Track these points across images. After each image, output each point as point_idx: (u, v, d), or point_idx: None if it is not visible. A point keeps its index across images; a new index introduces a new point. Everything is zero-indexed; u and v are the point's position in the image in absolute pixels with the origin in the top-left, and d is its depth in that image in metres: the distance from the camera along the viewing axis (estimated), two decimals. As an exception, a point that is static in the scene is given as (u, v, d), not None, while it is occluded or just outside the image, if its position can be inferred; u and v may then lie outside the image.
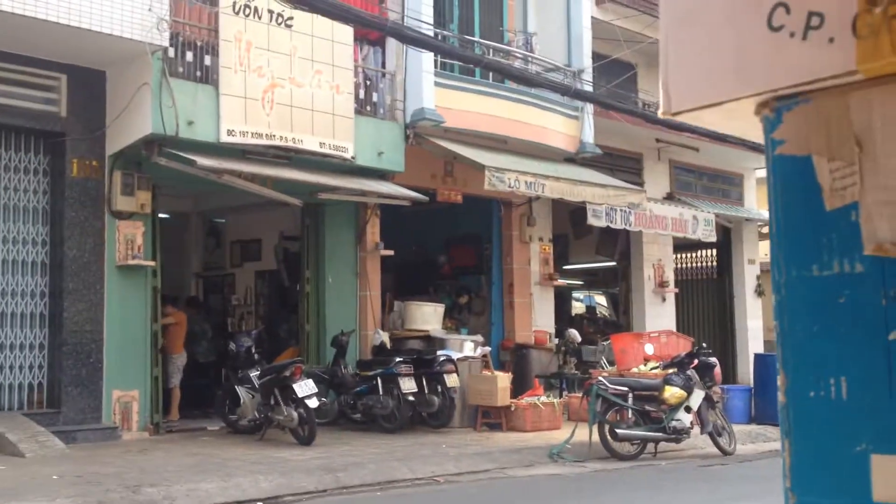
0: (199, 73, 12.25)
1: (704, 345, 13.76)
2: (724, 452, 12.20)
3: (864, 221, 1.24)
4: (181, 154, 11.82)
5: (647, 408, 11.96)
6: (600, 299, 22.55)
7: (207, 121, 12.02)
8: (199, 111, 11.97)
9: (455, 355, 13.96)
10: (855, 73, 1.22)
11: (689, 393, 11.99)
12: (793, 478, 1.28)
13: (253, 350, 13.09)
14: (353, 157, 13.48)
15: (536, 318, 17.02)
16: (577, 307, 22.25)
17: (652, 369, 13.16)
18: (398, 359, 13.40)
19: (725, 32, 1.33)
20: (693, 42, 1.38)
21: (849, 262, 1.25)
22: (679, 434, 11.95)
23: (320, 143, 13.12)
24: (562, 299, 18.19)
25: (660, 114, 1.44)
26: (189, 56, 12.23)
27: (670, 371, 12.45)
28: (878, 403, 1.22)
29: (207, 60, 12.31)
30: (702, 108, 1.37)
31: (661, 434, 11.86)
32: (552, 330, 17.19)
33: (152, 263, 12.64)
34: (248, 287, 17.46)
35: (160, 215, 13.51)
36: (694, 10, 1.37)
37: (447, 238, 18.74)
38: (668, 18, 1.41)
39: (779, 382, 1.32)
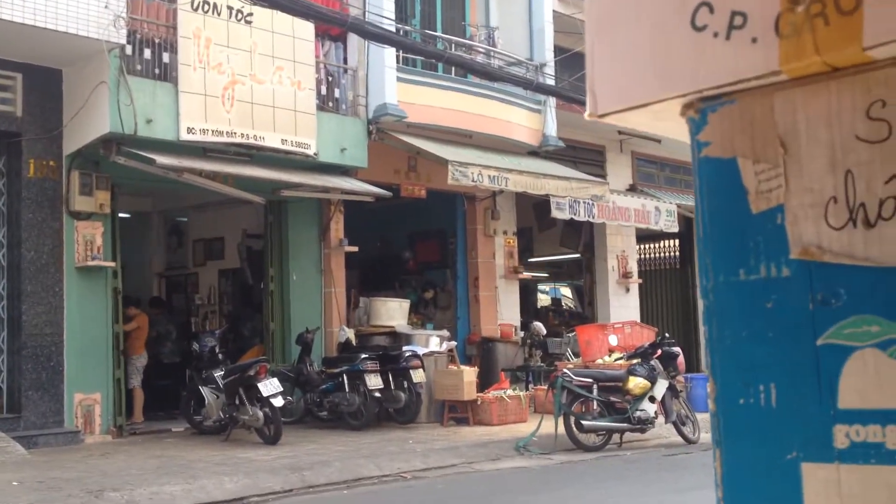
0: (157, 71, 12.12)
1: (668, 335, 13.83)
2: (689, 441, 12.27)
3: (789, 224, 1.22)
4: (140, 153, 11.71)
5: (612, 398, 12.00)
6: (565, 291, 22.63)
7: (166, 119, 11.90)
8: (157, 109, 11.85)
9: (421, 350, 13.94)
10: (779, 73, 1.19)
11: (653, 383, 12.04)
12: (725, 488, 1.26)
13: (217, 350, 13.00)
14: (315, 154, 13.40)
15: (502, 311, 17.04)
16: (543, 300, 22.31)
17: (616, 360, 13.23)
18: (364, 355, 13.36)
19: (650, 33, 1.30)
20: (618, 43, 1.35)
21: (776, 267, 1.23)
22: (644, 424, 12.00)
23: (282, 139, 13.04)
24: (527, 292, 18.23)
25: (586, 116, 1.41)
26: (147, 53, 12.10)
27: (634, 361, 12.50)
28: (808, 410, 1.20)
29: (166, 58, 12.19)
30: (627, 109, 1.34)
31: (625, 424, 11.91)
32: (518, 323, 17.22)
33: (112, 264, 12.50)
34: (212, 286, 17.33)
35: (120, 215, 13.37)
36: (618, 10, 1.34)
37: (411, 233, 18.71)
38: (593, 18, 1.38)
39: (708, 390, 1.30)
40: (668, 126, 1.40)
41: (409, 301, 15.95)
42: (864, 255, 1.17)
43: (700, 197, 1.31)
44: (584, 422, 11.85)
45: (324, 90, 14.01)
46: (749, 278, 1.25)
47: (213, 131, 12.27)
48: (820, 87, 1.21)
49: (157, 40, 12.23)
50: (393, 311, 15.22)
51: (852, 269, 1.18)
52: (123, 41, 11.41)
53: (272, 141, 12.90)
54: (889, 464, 1.15)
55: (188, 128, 12.03)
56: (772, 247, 1.24)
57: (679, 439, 12.43)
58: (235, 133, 12.47)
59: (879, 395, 1.15)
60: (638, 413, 11.93)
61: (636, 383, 12.00)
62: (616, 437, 12.20)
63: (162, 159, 11.64)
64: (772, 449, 1.22)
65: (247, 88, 12.63)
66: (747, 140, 1.26)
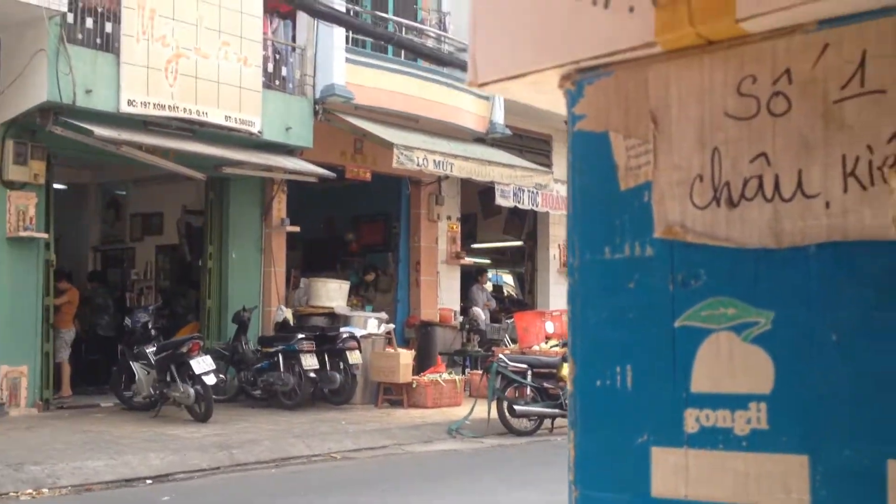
0: (99, 41, 11.86)
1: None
2: (621, 431, 12.36)
3: (655, 203, 1.19)
4: (78, 123, 11.45)
5: (546, 385, 12.06)
6: (507, 278, 22.67)
7: (107, 90, 11.64)
8: (98, 80, 11.59)
9: (359, 332, 13.88)
10: (653, 45, 1.16)
11: (588, 373, 12.10)
12: (576, 471, 1.23)
13: (150, 325, 12.80)
14: (259, 132, 13.23)
15: (442, 296, 17.03)
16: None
17: (552, 347, 13.27)
18: (300, 335, 13.26)
19: (532, 1, 1.26)
20: (501, 11, 1.30)
21: (640, 246, 1.20)
22: (577, 413, 12.06)
23: (226, 116, 12.83)
24: (469, 278, 18.21)
25: (467, 84, 1.37)
26: (89, 22, 11.83)
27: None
28: (661, 393, 1.17)
29: (108, 27, 11.92)
30: (507, 79, 1.30)
31: (557, 410, 11.97)
32: (457, 308, 17.22)
33: (45, 236, 12.24)
34: (149, 262, 17.06)
35: (56, 186, 13.10)
36: (499, -24, 1.30)
37: (355, 216, 18.61)
38: (476, -14, 1.33)
39: (567, 371, 1.27)
40: (550, 99, 1.36)
41: (349, 283, 15.86)
42: (726, 235, 1.14)
43: (571, 172, 1.28)
44: (516, 407, 11.90)
45: (270, 68, 13.82)
46: (614, 257, 1.22)
47: (154, 104, 12.03)
48: (693, 61, 1.18)
49: (99, 9, 11.95)
50: (333, 293, 15.12)
51: (713, 250, 1.15)
52: (65, 9, 11.14)
53: (216, 117, 12.69)
54: (736, 450, 1.13)
55: (129, 100, 11.79)
56: (638, 225, 1.21)
57: (611, 429, 12.51)
58: (178, 107, 12.24)
59: (731, 380, 1.13)
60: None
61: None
62: (547, 422, 12.27)
63: (100, 131, 11.40)
64: (625, 432, 1.19)
65: (191, 62, 12.40)
66: (621, 114, 1.23)
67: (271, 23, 14.06)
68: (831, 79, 1.10)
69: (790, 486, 1.10)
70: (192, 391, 11.59)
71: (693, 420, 1.15)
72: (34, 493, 8.23)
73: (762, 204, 1.13)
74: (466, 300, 17.61)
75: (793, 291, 1.11)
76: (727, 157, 1.15)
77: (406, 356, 13.87)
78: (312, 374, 13.13)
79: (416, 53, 14.66)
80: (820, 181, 1.10)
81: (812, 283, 1.10)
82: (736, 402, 1.13)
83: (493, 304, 18.43)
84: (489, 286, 19.26)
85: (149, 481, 8.89)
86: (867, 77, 1.08)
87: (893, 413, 1.05)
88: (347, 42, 14.34)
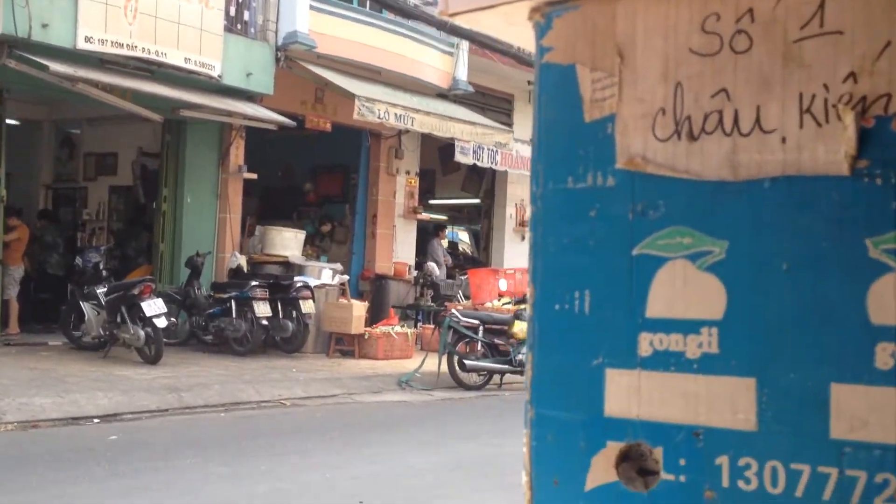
0: (56, -27, 11.59)
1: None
2: (569, 389, 12.54)
3: (619, 134, 1.23)
4: (33, 58, 11.21)
5: (497, 341, 12.19)
6: (463, 235, 22.74)
7: (64, 25, 11.41)
8: (55, 14, 11.35)
9: (313, 282, 13.88)
10: (622, -20, 1.19)
11: (539, 330, 12.23)
12: (532, 390, 1.28)
13: (101, 266, 12.68)
14: (219, 76, 13.07)
15: (398, 250, 17.06)
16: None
17: (504, 304, 13.39)
18: (254, 283, 13.22)
19: (503, -68, 1.28)
20: (474, -59, 1.32)
21: (602, 176, 1.24)
22: (524, 367, 12.19)
23: (185, 58, 12.65)
24: (426, 233, 18.25)
25: (437, 13, 1.38)
26: (47, -46, 11.55)
27: (522, 307, 12.68)
28: (617, 318, 1.22)
29: (67, -40, 11.65)
30: (477, 10, 1.32)
31: (507, 366, 12.12)
32: (412, 262, 17.27)
33: (-4, 171, 12.04)
34: (102, 202, 16.83)
35: (8, 121, 12.87)
36: None
37: (314, 166, 18.51)
38: (450, -88, 1.35)
39: (527, 295, 1.31)
40: (520, 32, 1.39)
41: (304, 232, 15.82)
42: (685, 167, 1.18)
43: (538, 104, 1.31)
44: (466, 361, 12.03)
45: (233, 11, 13.62)
46: (576, 186, 1.26)
47: (112, 42, 11.82)
48: (660, -2, 1.21)
49: (58, -60, 11.68)
50: (288, 242, 15.08)
51: (672, 181, 1.19)
52: (21, -62, 10.87)
53: (175, 58, 12.51)
54: (686, 372, 1.18)
55: (86, 36, 11.57)
56: (600, 156, 1.24)
57: (559, 387, 12.69)
58: (136, 46, 12.04)
59: (684, 306, 1.18)
60: (520, 356, 12.12)
61: (521, 328, 12.17)
62: (497, 378, 12.41)
63: (56, 67, 11.19)
64: (581, 354, 1.24)
65: (151, 1, 12.17)
66: (588, 47, 1.26)
67: (234, -36, 13.84)
68: (791, 19, 1.14)
69: (737, 407, 1.15)
70: (142, 333, 11.54)
71: (647, 344, 1.20)
72: (-21, 427, 8.19)
73: (721, 138, 1.17)
74: (425, 255, 17.67)
75: (747, 222, 1.15)
76: (690, 92, 1.19)
77: (359, 308, 13.91)
78: (265, 322, 13.11)
79: (381, 4, 14.53)
80: (777, 117, 1.14)
81: (765, 215, 1.14)
82: (688, 326, 1.18)
83: (450, 260, 18.51)
84: (445, 243, 19.33)
85: (96, 420, 8.88)
86: (826, 18, 1.12)
87: (837, 339, 1.10)
88: (312, -11, 14.18)
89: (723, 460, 1.15)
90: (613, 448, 1.21)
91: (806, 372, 1.12)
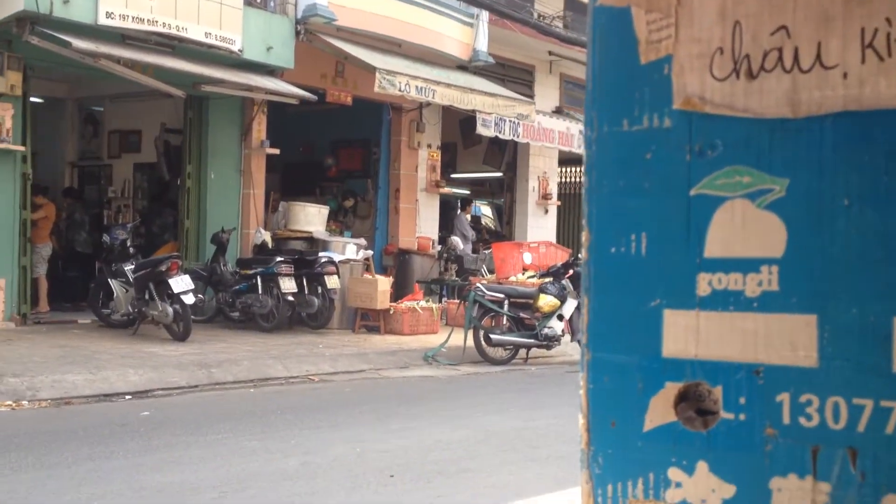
0: (77, -50, 11.60)
1: (580, 256, 13.97)
2: (594, 361, 12.51)
3: (675, 75, 1.22)
4: (55, 34, 11.25)
5: (522, 315, 12.17)
6: (486, 209, 22.72)
7: (85, 1, 11.44)
8: (76, -10, 11.37)
9: (337, 257, 13.91)
10: (678, -81, 1.18)
11: (563, 302, 12.23)
12: (589, 334, 1.28)
13: (128, 243, 12.77)
14: (240, 51, 13.07)
15: (421, 224, 17.06)
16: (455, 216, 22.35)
17: (529, 278, 13.37)
18: (279, 258, 13.27)
19: None
20: None
21: (658, 117, 1.23)
22: (550, 341, 12.21)
23: (206, 32, 12.66)
24: (448, 207, 18.24)
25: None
26: (67, -70, 11.55)
27: (546, 280, 12.67)
28: (674, 259, 1.21)
29: (87, -64, 11.65)
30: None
31: (533, 340, 12.12)
32: (435, 237, 17.27)
33: (22, 148, 12.11)
34: (126, 179, 16.92)
35: (32, 99, 12.93)
36: None
37: (335, 140, 18.51)
38: None
39: (583, 239, 1.31)
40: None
41: (328, 208, 15.85)
42: (744, 106, 1.18)
43: (592, 48, 1.30)
44: (492, 336, 12.02)
45: (252, -15, 13.61)
46: (632, 129, 1.25)
47: (133, 18, 11.84)
48: (717, -63, 1.20)
49: (78, -83, 11.68)
50: (311, 217, 15.12)
51: (730, 120, 1.19)
52: (43, -85, 10.88)
53: (195, 33, 12.51)
54: (746, 311, 1.18)
55: (107, 12, 11.60)
56: (657, 98, 1.24)
57: (584, 358, 12.68)
58: (157, 22, 12.06)
59: (744, 245, 1.18)
60: (546, 330, 12.13)
61: (546, 301, 12.17)
62: (522, 352, 12.42)
63: (78, 43, 11.22)
64: (637, 297, 1.24)
65: (171, -24, 12.19)
66: (642, -11, 1.25)
67: (254, -61, 13.81)
68: (854, -46, 1.13)
69: (797, 344, 1.15)
70: (170, 310, 11.61)
71: (706, 284, 1.20)
72: (13, 404, 8.28)
73: (781, 75, 1.16)
74: (450, 229, 17.66)
75: (807, 159, 1.15)
76: (748, 30, 1.18)
77: (384, 283, 13.93)
78: (290, 298, 13.17)
79: (400, -24, 14.47)
80: (838, 53, 1.14)
81: (826, 152, 1.14)
82: (748, 265, 1.17)
83: (474, 234, 18.52)
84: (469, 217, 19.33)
85: (128, 396, 8.96)
86: (889, -48, 1.11)
87: (899, 273, 1.10)
88: (331, -39, 14.13)
89: (784, 397, 1.16)
90: (672, 389, 1.22)
91: (867, 307, 1.12)
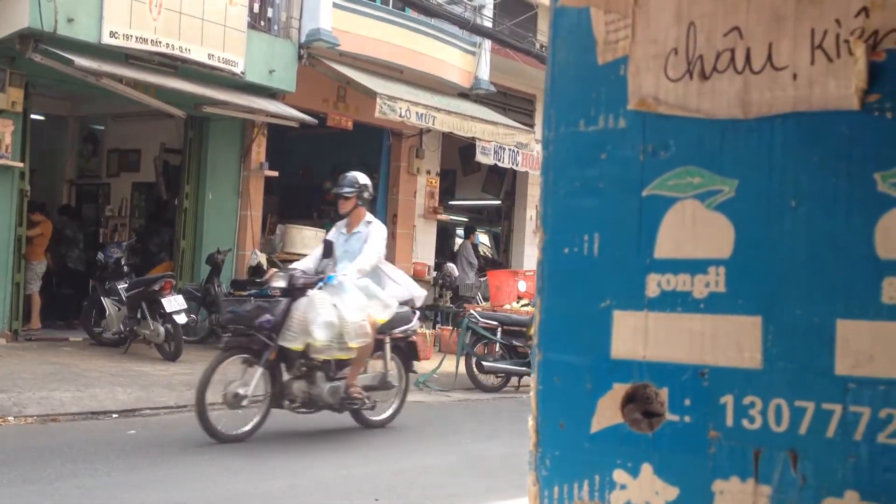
0: (82, -31, 11.69)
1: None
2: (587, 391, 12.47)
3: (631, 75, 1.22)
4: (58, 52, 11.31)
5: (515, 343, 12.16)
6: (483, 237, 22.72)
7: (89, 20, 11.51)
8: (80, 9, 11.44)
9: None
10: (637, -79, 1.19)
11: (558, 331, 12.20)
12: (541, 334, 1.27)
13: (122, 262, 12.75)
14: (242, 73, 13.13)
15: (417, 250, 17.06)
16: (459, 244, 22.37)
17: (523, 306, 13.35)
18: (273, 281, 13.21)
19: None
20: None
21: (613, 118, 1.23)
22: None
23: (209, 54, 12.72)
24: (445, 234, 18.26)
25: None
26: (73, -51, 11.65)
27: (541, 309, 12.64)
28: (626, 260, 1.21)
29: (92, -44, 11.74)
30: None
31: (525, 368, 12.08)
32: (432, 263, 17.27)
33: (21, 165, 12.13)
34: (124, 198, 16.92)
35: (33, 116, 12.96)
36: None
37: (335, 164, 18.51)
38: None
39: (537, 240, 1.30)
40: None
41: (325, 231, 15.83)
42: (697, 106, 1.18)
43: (552, 48, 1.30)
44: (485, 363, 12.01)
45: (256, 8, 13.70)
46: (588, 129, 1.25)
47: (137, 38, 11.91)
48: (675, -61, 1.20)
49: (84, -63, 11.78)
50: (308, 240, 15.10)
51: (683, 121, 1.19)
52: (49, -67, 10.97)
53: (198, 55, 12.58)
54: (693, 312, 1.17)
55: (111, 31, 11.66)
56: (613, 98, 1.24)
57: (577, 388, 12.64)
58: (160, 42, 12.13)
59: (693, 245, 1.17)
60: (539, 359, 12.10)
61: (540, 330, 12.15)
62: (514, 380, 12.38)
63: (81, 61, 11.28)
64: (589, 297, 1.23)
65: (176, -3, 12.27)
66: (601, -10, 1.25)
67: (258, -38, 13.91)
68: (805, -45, 1.13)
69: (743, 345, 1.14)
70: (162, 329, 11.59)
71: (655, 284, 1.19)
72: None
73: (733, 76, 1.16)
74: (450, 256, 17.64)
75: (757, 160, 1.15)
76: (702, 31, 1.18)
77: (378, 307, 13.87)
78: (284, 320, 13.10)
79: (404, 3, 14.58)
80: (789, 54, 1.14)
81: (775, 152, 1.14)
82: (696, 266, 1.17)
83: (477, 262, 18.52)
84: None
85: (115, 415, 8.92)
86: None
87: (844, 275, 1.10)
88: (335, -13, 14.24)
89: (727, 399, 1.15)
90: (619, 390, 1.21)
91: (812, 308, 1.11)
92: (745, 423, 1.14)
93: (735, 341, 1.14)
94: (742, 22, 1.16)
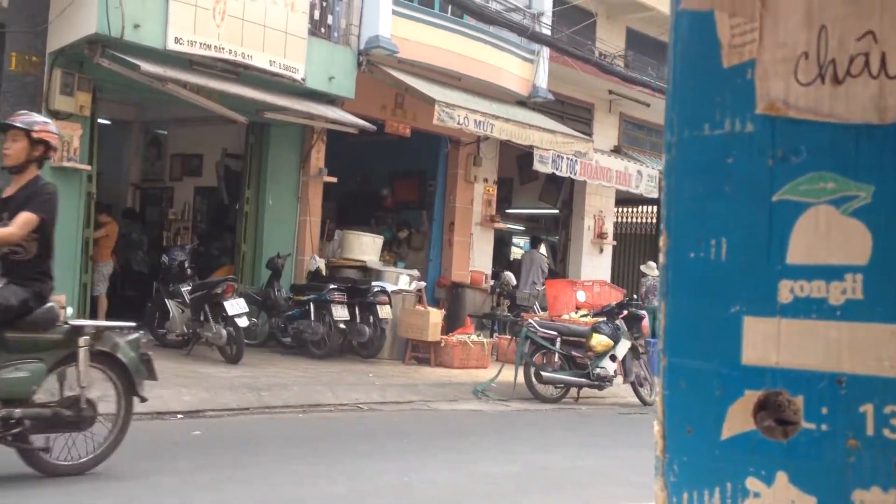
0: (149, -24, 11.88)
1: (636, 297, 13.89)
2: (644, 402, 12.38)
3: (759, 79, 1.21)
4: (125, 57, 11.51)
5: (574, 353, 12.08)
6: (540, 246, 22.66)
7: (155, 26, 11.69)
8: (146, 15, 11.64)
9: (390, 288, 13.94)
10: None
11: (616, 342, 12.12)
12: (666, 339, 1.26)
13: (186, 265, 12.93)
14: (303, 79, 13.25)
15: (474, 258, 17.05)
16: (516, 252, 22.35)
17: (582, 317, 13.26)
18: (332, 286, 13.34)
19: None
20: None
21: (740, 122, 1.22)
22: (602, 381, 12.09)
23: (270, 60, 12.86)
24: (501, 243, 18.24)
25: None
26: (140, -43, 11.85)
27: (600, 320, 12.56)
28: (756, 265, 1.20)
29: (159, -36, 11.94)
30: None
31: (584, 380, 12.00)
32: (489, 271, 17.25)
33: (88, 168, 12.35)
34: (187, 202, 17.17)
35: (100, 120, 13.19)
36: None
37: (392, 171, 18.63)
38: None
39: (661, 244, 1.29)
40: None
41: (382, 238, 15.92)
42: (829, 111, 1.16)
43: (673, 52, 1.29)
44: (543, 373, 11.92)
45: (317, 15, 13.81)
46: (713, 133, 1.24)
47: (201, 44, 12.07)
48: (805, -60, 1.19)
49: (151, -55, 11.98)
50: (366, 246, 15.20)
51: (814, 126, 1.17)
52: (117, -58, 11.17)
53: (260, 61, 12.72)
54: (829, 319, 1.15)
55: (176, 38, 11.84)
56: (739, 102, 1.22)
57: (635, 400, 12.55)
58: (224, 49, 12.29)
59: (827, 252, 1.15)
60: (598, 370, 12.02)
61: (599, 341, 12.07)
62: (573, 391, 12.29)
63: (147, 66, 11.46)
64: (716, 302, 1.22)
65: (239, 4, 12.42)
66: (727, -7, 1.24)
67: (319, -30, 14.04)
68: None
69: (881, 354, 1.12)
70: (224, 332, 11.72)
71: (787, 291, 1.18)
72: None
73: (867, 81, 1.15)
74: (505, 264, 17.61)
75: (894, 166, 1.13)
76: (834, 35, 1.17)
77: (436, 315, 13.91)
78: (342, 326, 13.22)
79: (463, 10, 14.60)
80: (927, 58, 1.12)
81: (914, 158, 1.12)
82: (832, 273, 1.15)
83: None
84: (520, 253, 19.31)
85: (180, 416, 9.04)
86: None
87: None
88: (394, -6, 14.32)
89: (867, 408, 1.13)
90: (751, 397, 1.19)
91: (955, 316, 1.09)
92: (887, 432, 1.12)
93: (874, 349, 1.12)
94: (876, 26, 1.14)
